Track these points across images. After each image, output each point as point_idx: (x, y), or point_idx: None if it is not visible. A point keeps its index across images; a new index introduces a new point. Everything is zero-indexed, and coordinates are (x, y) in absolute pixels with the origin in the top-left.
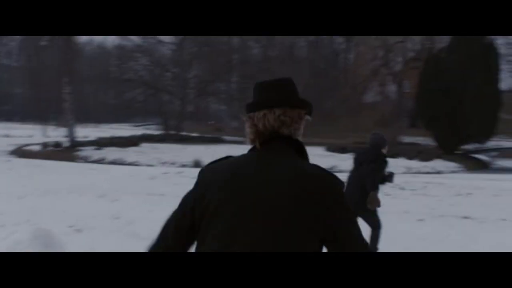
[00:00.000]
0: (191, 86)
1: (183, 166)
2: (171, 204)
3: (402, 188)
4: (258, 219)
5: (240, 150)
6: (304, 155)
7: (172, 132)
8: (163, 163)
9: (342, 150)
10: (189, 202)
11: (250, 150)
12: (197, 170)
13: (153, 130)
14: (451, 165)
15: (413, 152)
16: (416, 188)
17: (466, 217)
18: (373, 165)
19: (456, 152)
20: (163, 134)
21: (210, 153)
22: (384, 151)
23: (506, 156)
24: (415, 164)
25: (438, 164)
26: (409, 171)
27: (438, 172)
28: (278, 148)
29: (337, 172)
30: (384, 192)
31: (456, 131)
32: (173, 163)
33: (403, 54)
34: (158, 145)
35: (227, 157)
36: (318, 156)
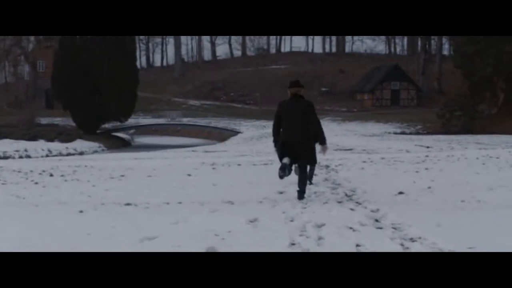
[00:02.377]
0: None
1: None
2: None
3: (51, 175)
4: (296, 115)
5: None
6: (303, 98)
7: None
8: None
9: None
10: (278, 111)
11: (290, 98)
12: None
13: None
14: (93, 145)
15: (53, 133)
16: (66, 173)
17: (128, 204)
18: None
19: (97, 131)
20: None
21: None
22: None
23: (143, 133)
24: (56, 146)
25: (79, 144)
26: (50, 154)
27: (81, 153)
28: (298, 97)
29: None
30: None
31: (96, 110)
32: None
33: None
34: None
35: (283, 100)
36: None
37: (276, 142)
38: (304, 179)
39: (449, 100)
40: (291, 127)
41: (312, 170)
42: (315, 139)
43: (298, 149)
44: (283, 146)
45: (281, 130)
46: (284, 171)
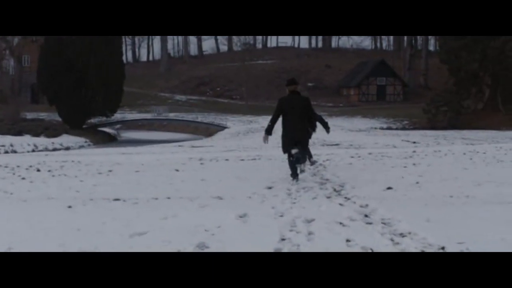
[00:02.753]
0: None
1: None
2: None
3: (38, 170)
4: (295, 110)
5: None
6: (299, 93)
7: None
8: None
9: None
10: (279, 106)
11: (288, 95)
12: None
13: None
14: (79, 140)
15: (39, 128)
16: (53, 168)
17: (117, 199)
18: None
19: (83, 126)
20: None
21: None
22: None
23: (129, 127)
24: (42, 140)
25: (65, 139)
26: (36, 149)
27: (67, 148)
28: (296, 93)
29: None
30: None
31: (82, 105)
32: None
33: None
34: None
35: (283, 96)
36: None
37: (269, 130)
38: (302, 158)
39: (435, 95)
40: (291, 120)
41: (307, 153)
42: (312, 126)
43: (297, 137)
44: (285, 140)
45: (282, 123)
46: (292, 159)
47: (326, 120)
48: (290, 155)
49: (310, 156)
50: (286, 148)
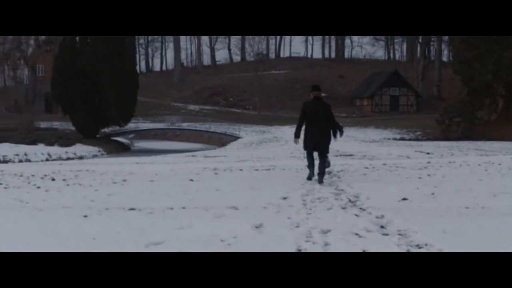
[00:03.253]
0: None
1: None
2: None
3: (53, 179)
4: (319, 114)
5: None
6: (322, 99)
7: None
8: None
9: None
10: (304, 109)
11: (312, 99)
12: None
13: None
14: (93, 149)
15: (53, 137)
16: (68, 177)
17: (132, 209)
18: None
19: (96, 136)
20: None
21: None
22: None
23: (142, 137)
24: (55, 150)
25: (79, 149)
26: (50, 158)
27: (80, 157)
28: (319, 99)
29: None
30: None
31: (95, 114)
32: None
33: (36, 37)
34: None
35: (307, 101)
36: None
37: (297, 134)
38: (324, 164)
39: (449, 106)
40: (314, 123)
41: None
42: (333, 133)
43: (319, 141)
44: (307, 140)
45: (305, 126)
46: (311, 172)
47: (341, 125)
48: (309, 153)
49: (328, 165)
50: (307, 147)
